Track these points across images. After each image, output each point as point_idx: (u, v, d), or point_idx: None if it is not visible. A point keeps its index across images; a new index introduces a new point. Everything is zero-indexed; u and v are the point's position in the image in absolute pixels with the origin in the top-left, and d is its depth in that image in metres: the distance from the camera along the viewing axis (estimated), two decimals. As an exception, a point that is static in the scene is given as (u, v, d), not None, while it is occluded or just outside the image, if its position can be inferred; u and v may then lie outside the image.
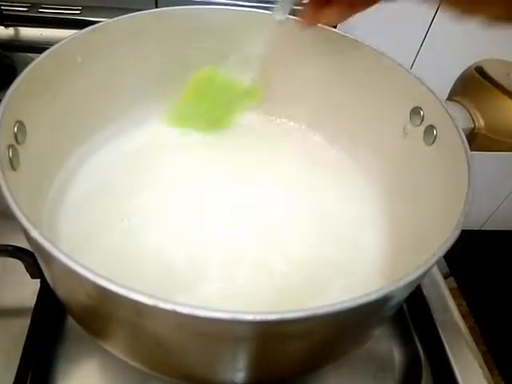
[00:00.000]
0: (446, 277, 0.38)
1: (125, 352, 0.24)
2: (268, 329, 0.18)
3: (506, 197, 0.89)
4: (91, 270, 0.17)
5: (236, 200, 0.34)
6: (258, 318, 0.17)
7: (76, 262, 0.18)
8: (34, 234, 0.18)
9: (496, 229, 0.93)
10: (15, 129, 0.25)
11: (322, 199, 0.35)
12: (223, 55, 0.36)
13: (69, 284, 0.21)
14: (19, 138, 0.25)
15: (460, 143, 0.25)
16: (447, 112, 0.27)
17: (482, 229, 0.93)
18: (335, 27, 0.48)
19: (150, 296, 0.17)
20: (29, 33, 0.52)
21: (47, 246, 0.18)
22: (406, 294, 0.22)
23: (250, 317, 0.17)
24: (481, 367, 0.31)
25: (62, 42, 0.29)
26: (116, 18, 0.32)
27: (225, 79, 0.36)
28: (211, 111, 0.38)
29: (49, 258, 0.19)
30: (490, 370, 0.32)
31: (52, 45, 0.28)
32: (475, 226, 0.93)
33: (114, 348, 0.24)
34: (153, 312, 0.17)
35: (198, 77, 0.36)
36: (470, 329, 0.34)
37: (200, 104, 0.37)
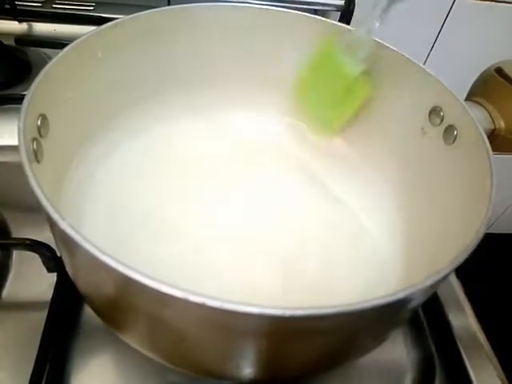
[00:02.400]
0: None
1: (144, 344, 0.24)
2: (295, 324, 0.18)
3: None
4: (122, 262, 0.17)
5: (249, 198, 0.34)
6: (288, 313, 0.17)
7: (106, 253, 0.18)
8: (63, 225, 0.19)
9: (502, 232, 0.93)
10: (39, 122, 0.25)
11: (337, 199, 0.35)
12: (240, 53, 0.37)
13: (94, 275, 0.21)
14: (42, 131, 0.25)
15: (482, 144, 0.25)
16: (468, 112, 0.27)
17: (488, 231, 0.93)
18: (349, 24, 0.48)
19: (181, 289, 0.17)
20: (42, 28, 0.52)
21: (76, 237, 0.18)
22: (428, 295, 0.23)
23: (279, 312, 0.17)
24: (495, 369, 0.31)
25: (84, 36, 0.29)
26: (136, 14, 0.32)
27: (336, 59, 0.33)
28: (324, 91, 0.35)
29: (76, 249, 0.19)
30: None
31: (65, 40, 0.29)
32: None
33: (134, 340, 0.24)
34: (181, 305, 0.18)
35: (321, 49, 0.34)
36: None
37: (320, 83, 0.34)
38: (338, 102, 0.34)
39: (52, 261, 0.30)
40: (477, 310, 0.37)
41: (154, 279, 0.17)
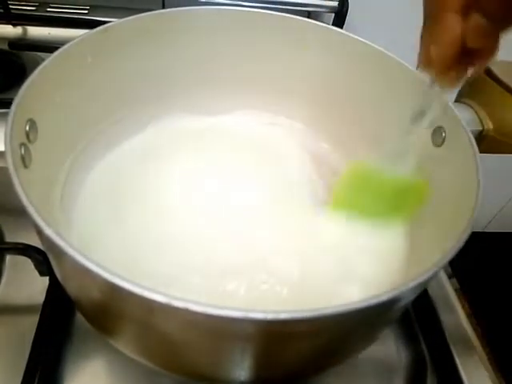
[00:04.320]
0: (448, 277, 0.38)
1: (134, 349, 0.24)
2: (278, 328, 0.18)
3: (509, 199, 0.89)
4: (105, 268, 0.17)
5: (237, 199, 0.34)
6: (270, 317, 0.17)
7: (89, 259, 0.18)
8: (47, 231, 0.19)
9: (499, 231, 0.93)
10: (27, 127, 0.25)
11: (325, 199, 0.35)
12: (231, 55, 0.37)
13: (80, 281, 0.21)
14: (31, 136, 0.25)
15: (469, 146, 0.25)
16: (456, 114, 0.27)
17: (485, 230, 0.93)
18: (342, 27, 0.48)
19: (164, 294, 0.17)
20: (37, 32, 0.53)
21: (60, 243, 0.18)
22: (414, 296, 0.23)
23: (261, 315, 0.17)
24: (486, 368, 0.31)
25: (73, 41, 0.29)
26: (127, 18, 0.32)
27: (381, 172, 0.29)
28: (376, 203, 0.31)
29: (61, 255, 0.19)
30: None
31: (60, 44, 0.28)
32: (478, 227, 0.93)
33: (123, 345, 0.25)
34: (165, 310, 0.18)
35: (351, 172, 0.32)
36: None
37: (361, 196, 0.31)
38: (395, 208, 0.31)
39: (44, 265, 0.30)
40: (473, 309, 0.37)
41: (137, 285, 0.17)
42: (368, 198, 0.31)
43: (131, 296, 0.17)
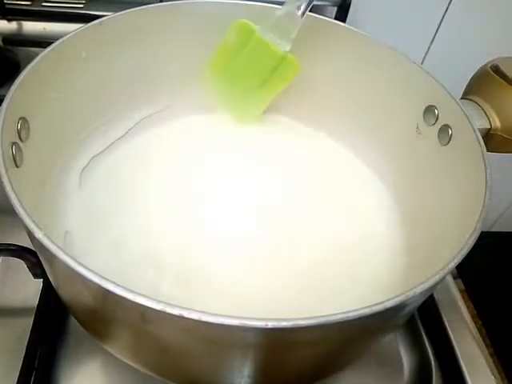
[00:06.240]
0: (453, 278, 0.37)
1: (127, 355, 0.24)
2: (279, 336, 0.18)
3: (514, 198, 0.88)
4: (96, 273, 0.17)
5: (243, 197, 0.33)
6: (270, 324, 0.16)
7: (81, 264, 0.17)
8: (38, 235, 0.18)
9: (504, 230, 0.91)
10: (18, 125, 0.24)
11: (332, 201, 0.34)
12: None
13: (72, 286, 0.20)
14: (22, 135, 0.24)
15: (476, 144, 0.24)
16: (463, 112, 0.26)
17: (491, 230, 0.92)
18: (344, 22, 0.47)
19: (157, 300, 0.16)
20: (32, 27, 0.52)
21: (51, 247, 0.17)
22: (420, 301, 0.22)
23: (261, 323, 0.16)
24: (491, 370, 0.30)
25: (67, 36, 0.28)
26: (121, 12, 0.31)
27: (261, 38, 0.32)
28: (245, 74, 0.34)
29: (52, 259, 0.18)
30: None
31: (55, 39, 0.28)
32: (483, 227, 0.92)
33: (117, 350, 0.24)
34: (159, 316, 0.17)
35: (235, 27, 0.33)
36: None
37: (235, 62, 0.34)
38: (263, 82, 0.34)
39: (38, 267, 0.29)
40: (478, 309, 0.36)
41: (130, 291, 0.16)
42: (241, 64, 0.34)
43: (124, 302, 0.17)
